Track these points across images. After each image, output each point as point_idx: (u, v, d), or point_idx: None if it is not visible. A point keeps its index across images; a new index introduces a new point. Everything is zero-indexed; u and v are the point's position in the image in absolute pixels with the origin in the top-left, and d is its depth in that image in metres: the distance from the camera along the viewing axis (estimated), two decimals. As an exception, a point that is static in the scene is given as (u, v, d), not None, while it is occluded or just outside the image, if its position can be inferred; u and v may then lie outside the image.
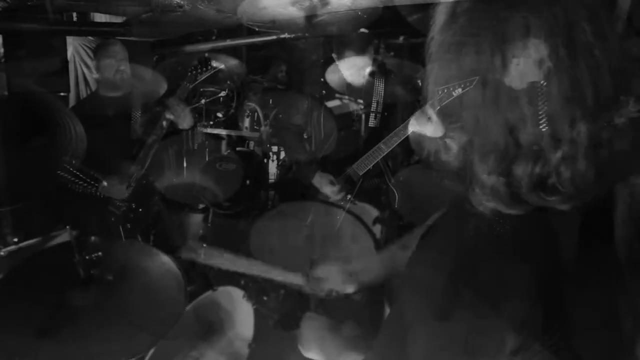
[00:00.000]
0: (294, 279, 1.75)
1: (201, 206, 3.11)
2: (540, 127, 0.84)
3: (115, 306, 1.91)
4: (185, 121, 3.06)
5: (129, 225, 2.98)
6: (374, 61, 2.80)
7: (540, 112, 0.84)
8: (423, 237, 1.18)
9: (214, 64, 2.85)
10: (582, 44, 0.81)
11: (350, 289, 1.63)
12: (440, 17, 0.93)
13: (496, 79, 0.85)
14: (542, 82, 0.83)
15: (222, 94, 3.98)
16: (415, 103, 2.76)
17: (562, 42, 0.81)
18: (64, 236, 2.36)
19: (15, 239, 2.23)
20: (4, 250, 2.16)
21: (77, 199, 2.87)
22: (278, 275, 1.79)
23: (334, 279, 1.65)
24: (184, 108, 3.01)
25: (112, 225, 2.94)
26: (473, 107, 0.89)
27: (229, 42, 3.90)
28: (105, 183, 2.86)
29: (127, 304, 1.93)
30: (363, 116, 2.90)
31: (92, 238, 2.04)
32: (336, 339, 1.44)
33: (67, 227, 1.97)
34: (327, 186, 2.86)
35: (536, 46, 0.82)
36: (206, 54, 3.08)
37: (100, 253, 1.98)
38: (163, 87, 3.21)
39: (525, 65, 0.83)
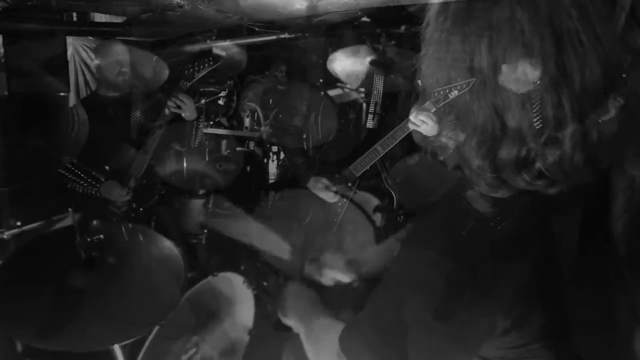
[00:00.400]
0: (282, 250, 1.74)
1: (202, 192, 3.10)
2: (535, 125, 0.83)
3: (115, 289, 1.90)
4: (189, 112, 3.09)
5: (130, 225, 2.97)
6: (375, 50, 2.80)
7: (535, 114, 0.83)
8: (412, 227, 1.17)
9: (216, 51, 2.85)
10: (569, 30, 0.81)
11: (348, 278, 1.62)
12: (434, 4, 0.94)
13: (482, 67, 0.85)
14: (536, 82, 0.82)
15: (222, 94, 3.99)
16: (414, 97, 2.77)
17: (548, 27, 0.80)
18: (66, 220, 2.35)
19: (19, 223, 2.22)
20: (7, 233, 2.14)
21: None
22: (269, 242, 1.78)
23: (334, 266, 1.64)
24: (188, 99, 3.04)
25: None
26: (462, 93, 0.90)
27: (228, 42, 3.91)
28: (106, 182, 2.86)
29: (128, 287, 1.92)
30: (364, 105, 2.90)
31: (94, 222, 2.03)
32: (318, 308, 1.41)
33: (70, 209, 1.97)
34: (322, 191, 2.86)
35: (531, 63, 0.82)
36: (208, 41, 3.10)
37: (102, 236, 1.98)
38: (165, 74, 3.20)
39: (518, 74, 0.83)
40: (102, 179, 2.87)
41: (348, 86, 2.91)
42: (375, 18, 2.82)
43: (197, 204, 3.09)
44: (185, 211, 3.09)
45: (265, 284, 2.32)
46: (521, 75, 0.82)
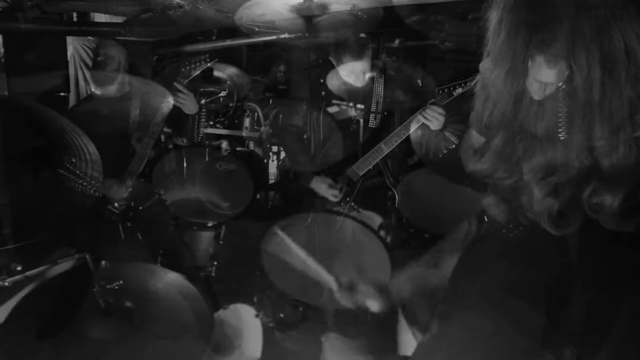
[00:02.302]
0: (328, 280, 1.72)
1: (211, 223, 3.10)
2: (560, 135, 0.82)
3: (137, 336, 1.83)
4: (189, 106, 3.08)
5: (129, 224, 3.00)
6: (374, 66, 2.81)
7: (559, 120, 0.82)
8: (460, 262, 1.16)
9: (217, 74, 2.84)
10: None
11: (378, 306, 1.57)
12: (492, 13, 0.92)
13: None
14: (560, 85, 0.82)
15: (222, 94, 3.97)
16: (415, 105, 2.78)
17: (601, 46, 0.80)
18: (67, 264, 2.28)
19: (19, 267, 2.13)
20: (8, 280, 2.04)
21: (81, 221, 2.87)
22: (315, 271, 1.77)
23: (366, 294, 1.59)
24: (187, 93, 3.03)
25: (113, 225, 2.95)
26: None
27: (228, 42, 3.89)
28: (105, 180, 2.87)
29: (150, 332, 1.85)
30: (361, 122, 2.89)
31: (102, 263, 1.96)
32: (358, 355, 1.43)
33: (87, 256, 1.89)
34: (326, 190, 2.86)
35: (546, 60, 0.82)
36: (209, 63, 3.09)
37: (121, 281, 1.90)
38: (168, 106, 3.14)
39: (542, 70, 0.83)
40: (101, 178, 2.88)
41: (344, 103, 2.90)
42: (372, 34, 2.81)
43: (206, 236, 3.08)
44: (193, 244, 3.09)
45: (282, 315, 2.31)
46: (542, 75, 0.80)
